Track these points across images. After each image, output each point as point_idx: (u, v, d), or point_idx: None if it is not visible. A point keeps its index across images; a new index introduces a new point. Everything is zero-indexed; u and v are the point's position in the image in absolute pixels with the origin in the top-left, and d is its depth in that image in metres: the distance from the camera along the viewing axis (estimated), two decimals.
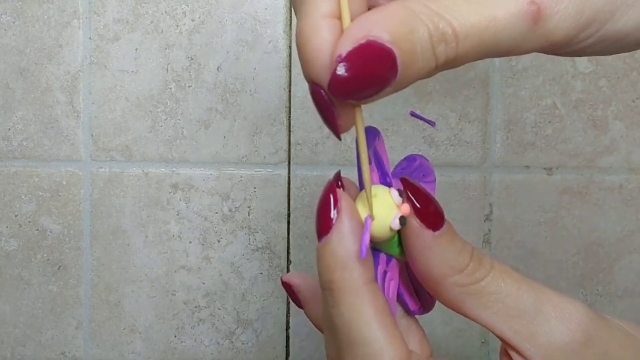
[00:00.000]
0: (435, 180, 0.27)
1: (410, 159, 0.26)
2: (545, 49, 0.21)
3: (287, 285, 0.27)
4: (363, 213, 0.22)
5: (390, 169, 0.25)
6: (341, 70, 0.19)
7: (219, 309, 0.46)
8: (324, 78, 0.20)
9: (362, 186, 0.23)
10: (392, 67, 0.19)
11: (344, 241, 0.21)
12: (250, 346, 0.46)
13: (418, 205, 0.22)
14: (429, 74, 0.20)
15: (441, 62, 0.20)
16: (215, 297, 0.45)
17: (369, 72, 0.19)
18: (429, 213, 0.22)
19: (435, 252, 0.22)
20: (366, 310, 0.21)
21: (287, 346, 0.46)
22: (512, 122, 0.44)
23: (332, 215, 0.22)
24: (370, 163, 0.23)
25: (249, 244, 0.45)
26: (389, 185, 0.24)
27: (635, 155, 0.45)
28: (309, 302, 0.27)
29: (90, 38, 0.44)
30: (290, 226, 0.45)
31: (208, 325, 0.46)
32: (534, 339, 0.21)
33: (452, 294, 0.22)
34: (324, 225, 0.22)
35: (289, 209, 0.45)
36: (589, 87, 0.44)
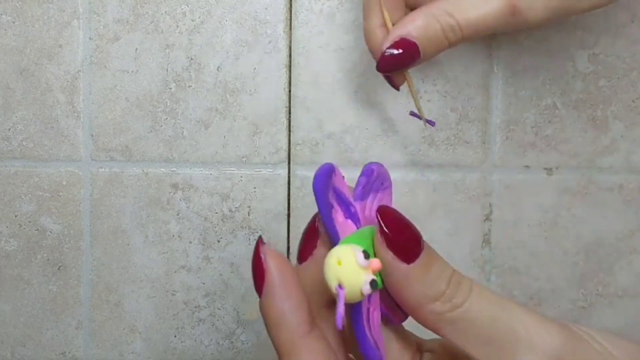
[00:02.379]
0: (391, 184, 0.27)
1: (368, 172, 0.26)
2: (523, 28, 0.33)
3: None
4: (334, 279, 0.21)
5: (351, 197, 0.25)
6: (386, 55, 0.33)
7: (219, 309, 0.46)
8: (375, 52, 0.35)
9: (332, 237, 0.23)
10: (416, 50, 0.32)
11: (273, 303, 0.23)
12: (250, 346, 0.46)
13: (391, 237, 0.22)
14: (445, 49, 0.33)
15: (452, 42, 0.32)
16: (215, 297, 0.46)
17: (402, 55, 0.32)
18: (403, 245, 0.22)
19: (410, 283, 0.22)
20: None
21: None
22: (512, 122, 0.44)
23: (262, 277, 0.23)
24: (332, 207, 0.23)
25: (249, 244, 0.45)
26: (355, 215, 0.24)
27: (635, 155, 0.45)
28: None
29: (90, 38, 0.44)
30: (290, 226, 0.45)
31: (208, 325, 0.46)
32: None
33: (428, 320, 0.22)
34: (257, 288, 0.23)
35: (289, 209, 0.45)
36: (589, 87, 0.44)
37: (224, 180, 0.45)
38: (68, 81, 0.44)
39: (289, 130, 0.44)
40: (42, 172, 0.45)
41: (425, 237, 0.23)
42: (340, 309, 0.21)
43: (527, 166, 0.45)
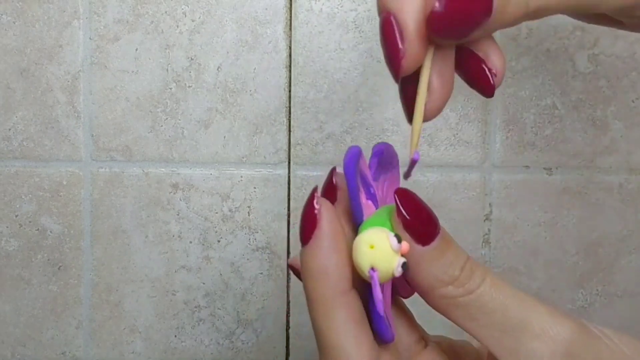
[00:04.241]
0: (398, 162, 0.27)
1: (378, 153, 0.26)
2: (619, 10, 0.23)
3: (293, 269, 0.27)
4: (366, 263, 0.21)
5: (371, 178, 0.25)
6: (440, 6, 0.19)
7: (219, 309, 0.46)
8: (404, 9, 0.20)
9: (357, 218, 0.23)
10: (488, 5, 0.20)
11: (319, 254, 0.22)
12: (250, 346, 0.46)
13: (409, 219, 0.22)
14: (517, 20, 0.21)
15: (531, 9, 0.21)
16: (215, 297, 0.46)
17: (466, 8, 0.20)
18: (420, 227, 0.22)
19: (424, 266, 0.22)
20: (339, 321, 0.22)
21: (287, 346, 0.46)
22: (512, 122, 0.44)
23: (313, 224, 0.22)
24: (359, 190, 0.23)
25: (249, 244, 0.45)
26: (374, 196, 0.24)
27: (635, 155, 0.45)
28: None
29: (90, 38, 0.44)
30: (290, 226, 0.45)
31: (208, 325, 0.46)
32: (516, 355, 0.22)
33: (440, 304, 0.22)
34: (304, 234, 0.22)
35: (289, 209, 0.45)
36: (589, 87, 0.44)
37: (224, 180, 0.45)
38: (68, 81, 0.44)
39: (289, 130, 0.44)
40: (42, 172, 0.45)
41: None
42: (378, 293, 0.21)
43: (527, 166, 0.45)
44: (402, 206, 0.22)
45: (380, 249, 0.21)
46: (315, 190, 0.22)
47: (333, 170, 0.24)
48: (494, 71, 0.23)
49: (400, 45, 0.20)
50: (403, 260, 0.21)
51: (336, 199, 0.24)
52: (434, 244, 0.22)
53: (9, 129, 0.45)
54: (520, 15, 0.21)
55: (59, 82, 0.44)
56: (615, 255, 0.45)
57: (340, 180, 0.24)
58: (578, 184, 0.45)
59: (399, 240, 0.21)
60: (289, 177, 0.45)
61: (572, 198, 0.45)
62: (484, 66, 0.23)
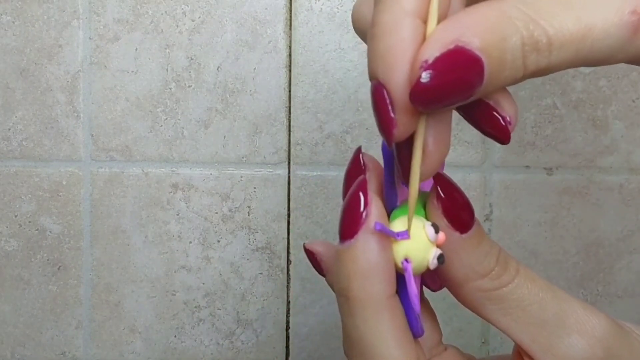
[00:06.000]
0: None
1: None
2: (636, 61, 0.20)
3: (309, 253, 0.25)
4: (400, 252, 0.20)
5: None
6: (426, 78, 0.17)
7: (219, 309, 0.46)
8: (393, 80, 0.19)
9: (390, 203, 0.22)
10: (478, 75, 0.18)
11: (370, 250, 0.20)
12: (250, 346, 0.46)
13: (449, 204, 0.21)
14: (514, 82, 0.19)
15: (530, 71, 0.19)
16: (215, 297, 0.45)
17: (454, 80, 0.18)
18: (459, 213, 0.21)
19: (460, 255, 0.21)
20: (383, 326, 0.20)
21: (287, 346, 0.46)
22: None
23: (360, 218, 0.20)
24: (395, 173, 0.21)
25: (249, 244, 0.45)
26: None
27: (635, 155, 0.45)
28: (331, 270, 0.25)
29: (90, 38, 0.44)
30: (290, 226, 0.45)
31: (208, 325, 0.46)
32: (553, 351, 0.21)
33: (473, 298, 0.21)
34: (349, 228, 0.20)
35: (289, 209, 0.45)
36: (589, 87, 0.44)
37: (224, 180, 0.45)
38: (68, 81, 0.44)
39: (289, 130, 0.44)
40: (42, 172, 0.45)
41: None
42: (413, 287, 0.19)
43: (527, 166, 0.45)
44: (442, 190, 0.21)
45: (416, 238, 0.20)
46: (364, 180, 0.21)
47: (359, 149, 0.23)
48: (507, 119, 0.20)
49: (391, 115, 0.19)
50: (439, 252, 0.20)
51: None
52: (471, 232, 0.21)
53: (9, 129, 0.45)
54: (518, 78, 0.19)
55: (59, 82, 0.44)
56: (616, 255, 0.45)
57: (368, 160, 0.23)
58: (578, 184, 0.45)
59: (437, 230, 0.20)
60: (288, 177, 0.45)
61: (572, 198, 0.45)
62: (496, 114, 0.20)
